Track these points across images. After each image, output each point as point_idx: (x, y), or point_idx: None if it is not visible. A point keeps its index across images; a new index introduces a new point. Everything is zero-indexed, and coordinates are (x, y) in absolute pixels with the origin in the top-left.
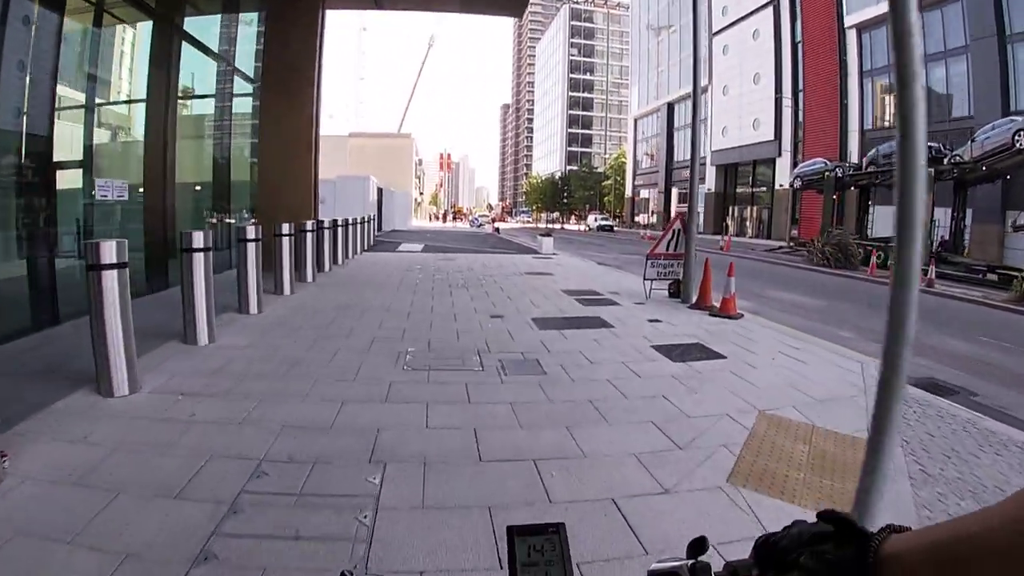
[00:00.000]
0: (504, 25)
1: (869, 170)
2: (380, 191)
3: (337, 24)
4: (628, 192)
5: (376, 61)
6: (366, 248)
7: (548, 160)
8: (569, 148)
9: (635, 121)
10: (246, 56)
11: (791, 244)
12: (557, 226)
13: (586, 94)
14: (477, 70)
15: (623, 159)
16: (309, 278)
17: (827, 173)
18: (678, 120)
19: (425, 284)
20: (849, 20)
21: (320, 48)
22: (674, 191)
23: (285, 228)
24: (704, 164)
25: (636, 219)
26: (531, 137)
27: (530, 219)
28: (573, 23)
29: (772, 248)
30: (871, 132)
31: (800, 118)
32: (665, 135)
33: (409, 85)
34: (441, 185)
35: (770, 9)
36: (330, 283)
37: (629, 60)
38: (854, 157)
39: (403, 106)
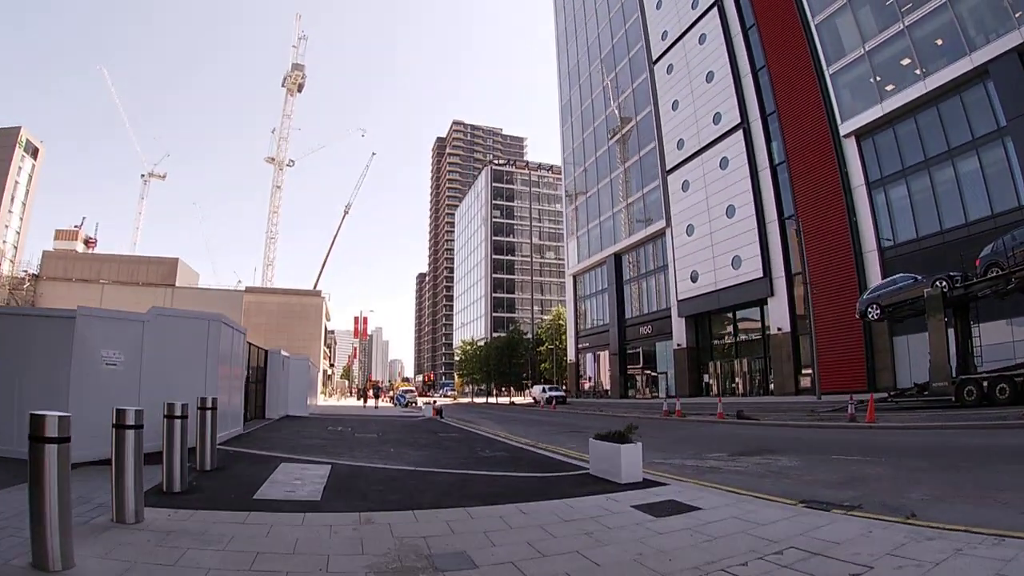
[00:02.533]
0: (421, 194)
1: (991, 275)
2: (265, 356)
3: (248, 180)
4: (571, 356)
5: (290, 223)
6: (179, 484)
7: (471, 328)
8: (495, 313)
9: (574, 278)
10: None
11: (918, 389)
12: (496, 400)
13: (510, 257)
14: (389, 241)
15: (561, 320)
16: None
17: (927, 291)
18: (628, 271)
19: None
20: (845, 128)
21: None
22: (630, 351)
23: None
24: (669, 317)
25: (583, 386)
26: (450, 306)
27: (453, 391)
28: (495, 184)
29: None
30: (894, 249)
31: (798, 247)
32: (614, 289)
33: (323, 250)
34: (355, 356)
35: (739, 133)
36: None
37: (563, 213)
38: (876, 280)
39: (316, 271)
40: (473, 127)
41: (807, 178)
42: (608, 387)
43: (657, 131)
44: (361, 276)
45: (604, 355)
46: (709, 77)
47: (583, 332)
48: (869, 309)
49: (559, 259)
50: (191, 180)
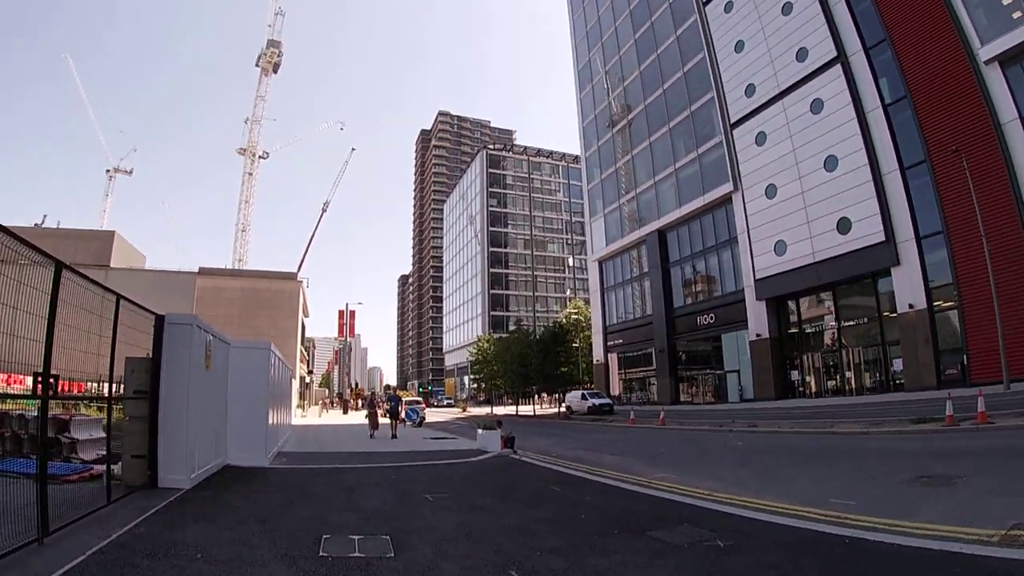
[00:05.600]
0: (403, 191)
1: None
2: (158, 331)
3: (222, 173)
4: (598, 355)
5: (264, 216)
6: None
7: (464, 329)
8: (493, 312)
9: (600, 264)
10: None
11: None
12: (532, 409)
13: (507, 250)
14: (368, 243)
15: (582, 315)
16: None
17: None
18: (676, 250)
19: None
20: (986, 53)
21: None
22: (682, 347)
23: None
24: (741, 301)
25: (614, 391)
26: (438, 307)
27: (450, 400)
28: (491, 171)
29: None
30: None
31: (937, 199)
32: (658, 273)
33: (298, 248)
34: (336, 361)
35: (836, 69)
36: None
37: (560, 203)
38: None
39: (298, 258)
40: (460, 118)
41: (940, 115)
42: (619, 392)
43: (714, 79)
44: (336, 280)
45: (640, 353)
46: (786, 9)
47: (612, 328)
48: None
49: (558, 254)
50: (159, 172)
